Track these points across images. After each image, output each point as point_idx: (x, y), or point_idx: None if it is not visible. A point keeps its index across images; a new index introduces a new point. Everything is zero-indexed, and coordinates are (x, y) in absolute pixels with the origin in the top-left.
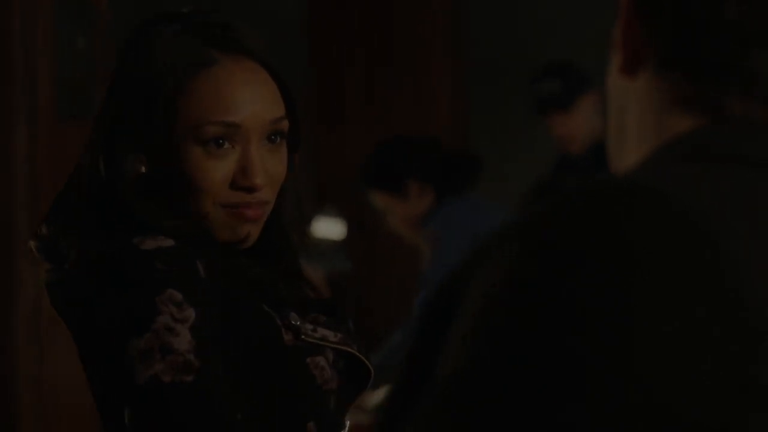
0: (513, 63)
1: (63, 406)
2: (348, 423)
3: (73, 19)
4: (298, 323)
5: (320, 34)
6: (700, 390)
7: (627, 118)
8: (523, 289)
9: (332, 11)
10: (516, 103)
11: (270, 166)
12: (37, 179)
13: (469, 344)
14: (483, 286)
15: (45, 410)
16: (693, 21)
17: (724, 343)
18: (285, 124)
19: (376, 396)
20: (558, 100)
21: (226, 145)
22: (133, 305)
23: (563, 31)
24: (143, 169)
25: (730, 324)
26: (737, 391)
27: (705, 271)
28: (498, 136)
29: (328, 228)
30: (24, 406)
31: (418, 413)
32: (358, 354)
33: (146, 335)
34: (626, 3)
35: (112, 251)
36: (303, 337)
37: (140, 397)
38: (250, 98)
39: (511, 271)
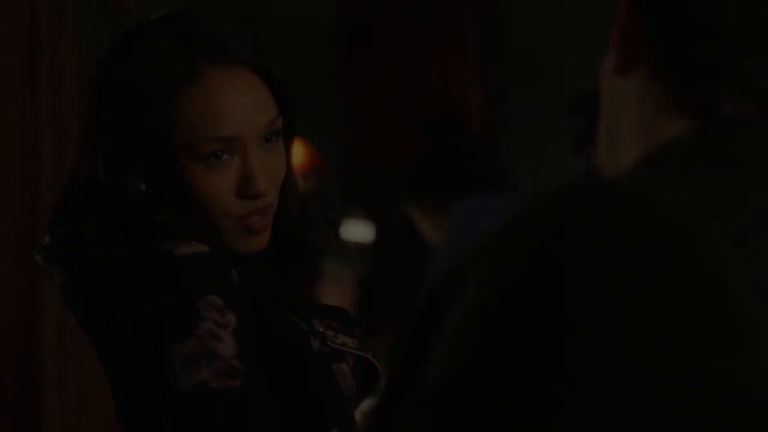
0: (550, 62)
1: (88, 408)
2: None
3: (98, 21)
4: (322, 329)
5: (350, 37)
6: (691, 391)
7: (621, 120)
8: (511, 295)
9: (363, 11)
10: (552, 104)
11: (270, 167)
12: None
13: (458, 349)
14: (473, 290)
15: (70, 411)
16: (690, 24)
17: (712, 345)
18: (280, 123)
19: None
20: (589, 136)
21: (225, 156)
22: (174, 311)
23: (598, 31)
24: (143, 186)
25: (718, 326)
26: (726, 390)
27: (693, 277)
28: (533, 138)
29: (357, 230)
30: (49, 407)
31: (407, 416)
32: (373, 361)
33: (189, 340)
34: (625, 3)
35: (145, 256)
36: (329, 343)
37: (186, 403)
38: (242, 108)
39: (499, 277)
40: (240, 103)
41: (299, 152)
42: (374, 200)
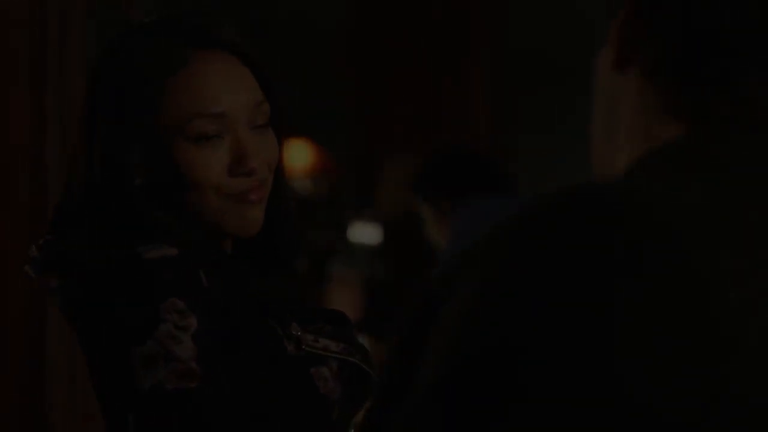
0: (556, 63)
1: (95, 406)
2: None
3: (104, 22)
4: (299, 333)
5: (361, 41)
6: (691, 391)
7: (617, 120)
8: (510, 295)
9: (372, 16)
10: (556, 107)
11: (261, 149)
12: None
13: (457, 348)
14: (471, 290)
15: (77, 410)
16: (688, 29)
17: (711, 345)
18: (267, 107)
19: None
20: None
21: (215, 137)
22: (136, 313)
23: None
24: (138, 180)
25: (717, 326)
26: (726, 390)
27: (692, 277)
28: (539, 138)
29: (365, 233)
30: (56, 405)
31: (403, 415)
32: (360, 364)
33: (148, 343)
34: (627, 2)
35: (116, 260)
36: (304, 347)
37: (144, 404)
38: (230, 88)
39: (498, 277)
40: (226, 82)
41: (310, 154)
42: (383, 202)
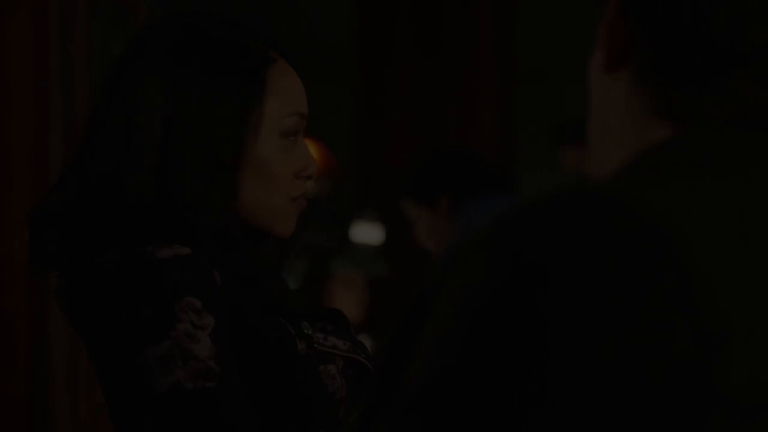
0: (559, 71)
1: (99, 409)
2: None
3: (108, 24)
4: (310, 332)
5: (367, 46)
6: (681, 392)
7: (609, 120)
8: (489, 302)
9: (381, 17)
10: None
11: None
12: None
13: (436, 356)
14: (451, 297)
15: (82, 410)
16: (680, 32)
17: (700, 347)
18: None
19: None
20: (568, 133)
21: (295, 137)
22: (151, 313)
23: None
24: (205, 171)
25: (706, 329)
26: (714, 391)
27: (680, 280)
28: (544, 147)
29: (368, 232)
30: (59, 408)
31: (393, 417)
32: (366, 363)
33: (165, 342)
34: (614, 2)
35: (127, 260)
36: (316, 345)
37: (162, 404)
38: (304, 93)
39: (477, 283)
40: (302, 86)
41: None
42: (386, 203)
